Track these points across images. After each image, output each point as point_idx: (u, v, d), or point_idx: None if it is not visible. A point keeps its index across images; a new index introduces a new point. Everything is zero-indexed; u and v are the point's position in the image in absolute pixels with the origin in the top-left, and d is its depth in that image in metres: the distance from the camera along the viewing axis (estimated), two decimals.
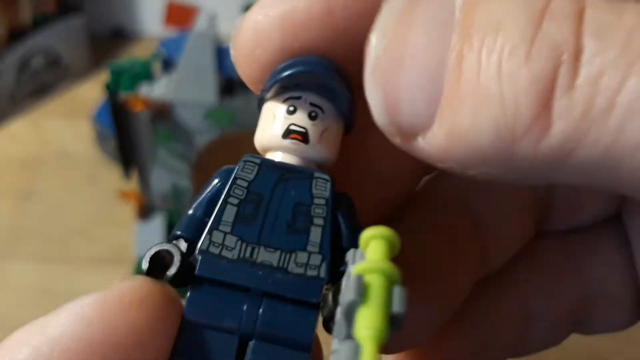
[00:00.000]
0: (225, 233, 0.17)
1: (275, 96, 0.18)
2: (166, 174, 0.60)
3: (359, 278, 0.14)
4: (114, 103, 0.57)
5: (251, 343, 0.17)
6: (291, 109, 0.18)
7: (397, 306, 0.14)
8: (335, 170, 0.19)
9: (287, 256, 0.17)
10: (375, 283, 0.14)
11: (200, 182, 0.62)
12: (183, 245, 0.18)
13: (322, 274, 0.17)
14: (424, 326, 0.20)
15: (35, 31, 0.80)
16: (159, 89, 0.56)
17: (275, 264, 0.17)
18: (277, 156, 0.18)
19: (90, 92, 0.81)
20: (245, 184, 0.18)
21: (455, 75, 0.14)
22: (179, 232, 0.18)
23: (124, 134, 0.59)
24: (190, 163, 0.58)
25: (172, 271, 0.17)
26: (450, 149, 0.15)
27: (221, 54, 0.55)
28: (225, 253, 0.17)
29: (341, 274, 0.17)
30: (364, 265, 0.15)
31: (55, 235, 0.65)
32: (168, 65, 0.59)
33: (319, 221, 0.17)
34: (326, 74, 0.18)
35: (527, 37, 0.13)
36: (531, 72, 0.13)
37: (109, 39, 0.94)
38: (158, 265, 0.17)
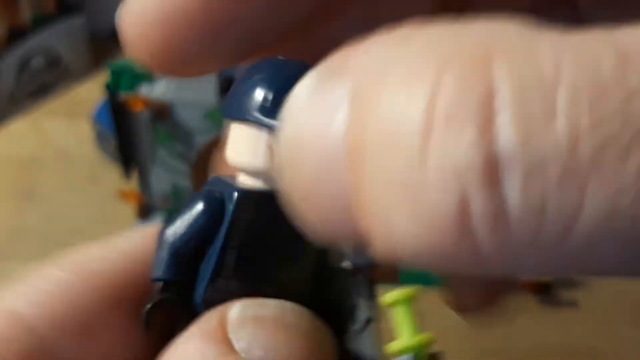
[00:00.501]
0: (228, 280, 0.16)
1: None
2: (166, 174, 0.60)
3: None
4: (114, 103, 0.57)
5: None
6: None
7: None
8: None
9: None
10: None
11: (200, 182, 0.62)
12: (173, 291, 0.17)
13: None
14: None
15: (35, 31, 0.80)
16: (159, 89, 0.56)
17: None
18: (262, 182, 0.16)
19: (90, 92, 0.81)
20: (243, 225, 0.16)
21: (359, 213, 0.12)
22: (163, 276, 0.17)
23: (124, 134, 0.59)
24: (190, 163, 0.58)
25: (147, 307, 0.16)
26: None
27: None
28: (227, 297, 0.16)
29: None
30: (399, 347, 0.15)
31: (55, 235, 0.65)
32: None
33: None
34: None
35: (415, 160, 0.11)
36: (435, 210, 0.11)
37: (109, 39, 0.94)
38: (155, 315, 0.16)
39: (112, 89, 0.56)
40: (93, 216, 0.67)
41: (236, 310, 0.15)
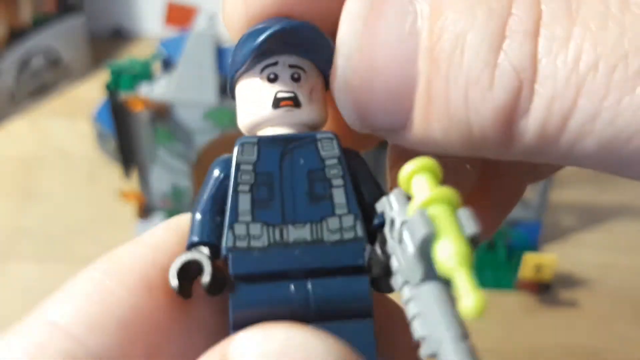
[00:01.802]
0: (247, 223, 0.16)
1: (249, 70, 0.17)
2: (166, 174, 0.60)
3: (423, 212, 0.14)
4: (114, 103, 0.57)
5: (312, 326, 0.15)
6: (272, 77, 0.17)
7: (470, 228, 0.14)
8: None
9: (319, 226, 0.16)
10: (442, 212, 0.14)
11: (200, 182, 0.62)
12: (205, 251, 0.16)
13: (360, 232, 0.16)
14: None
15: (35, 31, 0.80)
16: (159, 89, 0.56)
17: (309, 238, 0.16)
18: (269, 131, 0.17)
19: (90, 92, 0.82)
20: (250, 167, 0.17)
21: (425, 100, 0.15)
22: (196, 239, 0.17)
23: (124, 134, 0.59)
24: (190, 163, 0.58)
25: (206, 279, 0.16)
26: (424, 146, 0.16)
27: (221, 54, 0.55)
28: (254, 243, 0.16)
29: (375, 228, 0.16)
30: (422, 200, 0.14)
31: (55, 235, 0.65)
32: (168, 65, 0.59)
33: (338, 182, 0.17)
34: (298, 28, 0.17)
35: (489, 63, 0.14)
36: (494, 102, 0.14)
37: (109, 39, 0.94)
38: (187, 278, 0.16)
39: (112, 89, 0.56)
40: (93, 216, 0.67)
41: (238, 345, 0.14)
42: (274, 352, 0.14)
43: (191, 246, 0.17)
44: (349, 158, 0.17)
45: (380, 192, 0.17)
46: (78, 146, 0.76)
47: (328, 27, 0.17)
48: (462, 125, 0.15)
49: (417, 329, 0.14)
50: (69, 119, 0.79)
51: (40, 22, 0.80)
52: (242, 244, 0.16)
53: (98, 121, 0.72)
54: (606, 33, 0.13)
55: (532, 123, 0.14)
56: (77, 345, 0.15)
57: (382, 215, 0.16)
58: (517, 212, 0.61)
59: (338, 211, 0.16)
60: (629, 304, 0.60)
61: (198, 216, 0.17)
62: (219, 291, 0.16)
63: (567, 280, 0.62)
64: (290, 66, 0.17)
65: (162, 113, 0.56)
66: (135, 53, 0.86)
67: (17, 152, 0.76)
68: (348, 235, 0.16)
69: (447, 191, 0.14)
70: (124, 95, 0.56)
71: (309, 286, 0.16)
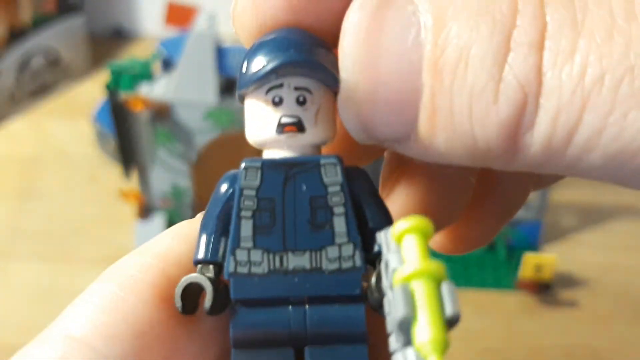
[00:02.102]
0: (249, 249, 0.17)
1: (256, 90, 0.17)
2: (166, 174, 0.60)
3: (405, 289, 0.14)
4: (114, 103, 0.57)
5: (306, 349, 0.17)
6: (276, 100, 0.17)
7: (451, 308, 0.14)
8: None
9: (318, 254, 0.17)
10: (424, 290, 0.14)
11: (200, 182, 0.62)
12: (210, 271, 0.17)
13: (358, 263, 0.17)
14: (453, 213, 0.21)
15: (35, 31, 0.80)
16: (159, 89, 0.56)
17: (308, 266, 0.16)
18: (274, 153, 0.17)
19: (90, 92, 0.81)
20: (252, 192, 0.17)
21: (429, 112, 0.15)
22: (201, 258, 0.17)
23: (124, 134, 0.59)
24: (190, 163, 0.58)
25: (207, 304, 0.16)
26: (428, 157, 0.16)
27: (221, 54, 0.55)
28: (254, 269, 0.17)
29: (375, 256, 0.17)
30: (406, 273, 0.14)
31: (55, 235, 0.65)
32: (168, 65, 0.59)
33: (339, 210, 0.17)
34: (302, 56, 0.16)
35: (494, 76, 0.14)
36: (499, 116, 0.14)
37: (109, 39, 0.94)
38: (191, 296, 0.17)
39: (112, 89, 0.56)
40: (93, 216, 0.67)
41: None
42: None
43: (196, 264, 0.17)
44: (353, 179, 0.17)
45: (385, 214, 0.17)
46: (78, 146, 0.76)
47: (338, 34, 0.17)
48: (467, 138, 0.15)
49: None
50: (69, 119, 0.79)
51: (40, 22, 0.80)
52: (243, 269, 0.17)
53: (98, 121, 0.72)
54: (612, 45, 0.13)
55: (537, 137, 0.14)
56: (97, 355, 0.15)
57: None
58: (518, 212, 0.61)
59: (338, 240, 0.17)
60: (629, 304, 0.60)
61: (204, 236, 0.17)
62: (221, 311, 0.17)
63: (567, 280, 0.62)
64: (296, 88, 0.17)
65: (162, 113, 0.56)
66: (135, 53, 0.86)
67: (17, 152, 0.76)
68: (346, 264, 0.17)
69: (432, 265, 0.14)
70: (124, 95, 0.56)
71: (307, 311, 0.17)
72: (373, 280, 0.16)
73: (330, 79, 0.17)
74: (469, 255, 0.61)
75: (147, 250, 0.17)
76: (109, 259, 0.18)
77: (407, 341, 0.14)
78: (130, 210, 0.65)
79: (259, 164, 0.17)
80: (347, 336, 0.17)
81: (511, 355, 0.56)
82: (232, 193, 0.17)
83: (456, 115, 0.15)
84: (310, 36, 0.17)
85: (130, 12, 0.94)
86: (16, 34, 0.78)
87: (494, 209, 0.23)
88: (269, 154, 0.17)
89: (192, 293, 0.17)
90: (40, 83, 0.83)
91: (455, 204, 0.21)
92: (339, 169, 0.17)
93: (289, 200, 0.17)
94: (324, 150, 0.18)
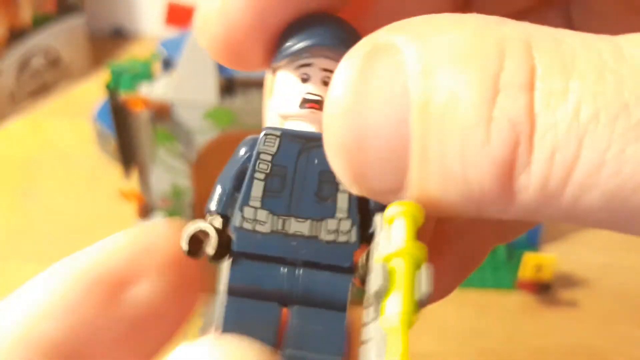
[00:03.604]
0: (256, 208, 0.18)
1: (287, 65, 0.18)
2: (166, 173, 0.60)
3: (385, 266, 0.15)
4: (114, 103, 0.57)
5: (294, 307, 0.18)
6: (304, 77, 0.18)
7: (425, 288, 0.14)
8: None
9: (318, 224, 0.18)
10: (402, 268, 0.14)
11: (200, 181, 0.62)
12: (218, 221, 0.18)
13: (353, 238, 0.18)
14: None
15: (35, 31, 0.80)
16: (159, 89, 0.56)
17: (307, 233, 0.18)
18: (296, 125, 0.18)
19: (90, 92, 0.81)
20: (268, 157, 0.18)
21: (420, 158, 0.15)
22: (212, 209, 0.19)
23: (124, 134, 0.59)
24: (190, 163, 0.58)
25: (210, 251, 0.18)
26: (422, 205, 0.16)
27: None
28: (258, 227, 0.18)
29: (370, 235, 0.18)
30: (389, 251, 0.15)
31: (55, 235, 0.65)
32: (168, 65, 0.59)
33: (344, 186, 0.17)
34: (334, 42, 0.18)
35: (484, 117, 0.14)
36: (492, 156, 0.14)
37: (109, 39, 0.94)
38: (197, 242, 0.18)
39: (112, 89, 0.56)
40: (93, 216, 0.67)
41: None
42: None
43: (206, 213, 0.19)
44: None
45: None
46: (78, 146, 0.76)
47: None
48: (461, 183, 0.14)
49: (361, 355, 0.16)
50: (69, 119, 0.79)
51: (40, 22, 0.80)
52: (248, 225, 0.18)
53: (98, 121, 0.72)
54: (604, 84, 0.13)
55: (533, 177, 0.14)
56: (56, 348, 0.17)
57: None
58: None
59: (338, 214, 0.18)
60: (629, 304, 0.60)
61: (219, 189, 0.19)
62: (221, 259, 0.18)
63: (567, 280, 0.62)
64: (324, 70, 0.18)
65: (162, 113, 0.56)
66: (135, 53, 0.86)
67: (17, 152, 0.76)
68: (342, 238, 0.18)
69: (414, 247, 0.15)
70: (124, 95, 0.56)
71: (299, 273, 0.18)
72: (363, 257, 0.18)
73: None
74: None
75: (96, 244, 0.19)
76: None
77: (379, 314, 0.15)
78: (130, 210, 0.65)
79: (279, 133, 0.18)
80: (330, 303, 0.18)
81: (511, 355, 0.56)
82: (250, 156, 0.18)
83: (448, 159, 0.14)
84: (347, 26, 0.18)
85: (130, 12, 0.94)
86: (16, 34, 0.78)
87: (452, 264, 0.22)
88: (289, 125, 0.19)
89: (197, 240, 0.18)
90: (40, 83, 0.83)
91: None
92: None
93: (300, 171, 0.18)
94: None
